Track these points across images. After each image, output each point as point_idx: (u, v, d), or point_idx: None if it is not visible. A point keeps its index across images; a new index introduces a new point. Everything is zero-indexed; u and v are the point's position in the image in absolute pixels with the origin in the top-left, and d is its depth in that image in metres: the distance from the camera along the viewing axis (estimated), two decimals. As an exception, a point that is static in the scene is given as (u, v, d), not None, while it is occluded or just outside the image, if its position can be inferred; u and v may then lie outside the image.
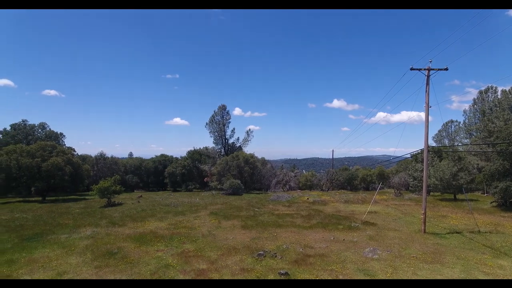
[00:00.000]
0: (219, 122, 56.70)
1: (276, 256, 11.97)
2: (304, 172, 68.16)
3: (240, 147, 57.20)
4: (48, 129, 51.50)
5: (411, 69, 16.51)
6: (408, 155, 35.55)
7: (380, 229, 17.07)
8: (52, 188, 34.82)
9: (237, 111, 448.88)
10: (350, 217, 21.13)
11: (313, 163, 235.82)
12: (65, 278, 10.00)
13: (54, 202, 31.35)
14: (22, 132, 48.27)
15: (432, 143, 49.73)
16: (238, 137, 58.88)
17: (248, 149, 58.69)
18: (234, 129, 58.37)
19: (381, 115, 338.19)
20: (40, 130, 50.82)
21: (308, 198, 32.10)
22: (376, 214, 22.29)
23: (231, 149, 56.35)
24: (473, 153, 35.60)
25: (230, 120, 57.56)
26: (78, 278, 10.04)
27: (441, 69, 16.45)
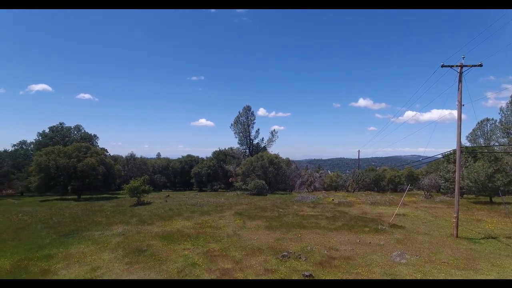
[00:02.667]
0: (243, 122, 57.02)
1: (300, 257, 11.97)
2: (329, 173, 67.04)
3: (264, 148, 57.20)
4: (83, 131, 54.40)
5: (442, 66, 15.80)
6: (440, 156, 34.02)
7: (408, 233, 16.53)
8: (86, 187, 36.80)
9: (261, 112, 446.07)
10: (376, 219, 20.61)
11: (338, 163, 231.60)
12: (98, 273, 10.59)
13: (89, 201, 33.11)
14: (59, 134, 51.32)
15: (465, 142, 47.07)
16: (263, 138, 58.89)
17: (272, 150, 58.58)
18: (258, 129, 58.38)
19: (409, 114, 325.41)
20: (75, 132, 53.78)
21: (333, 199, 31.63)
22: (405, 216, 21.56)
23: (255, 150, 56.55)
24: (511, 153, 33.46)
25: (254, 121, 57.65)
26: (110, 273, 10.60)
27: (474, 66, 15.63)
